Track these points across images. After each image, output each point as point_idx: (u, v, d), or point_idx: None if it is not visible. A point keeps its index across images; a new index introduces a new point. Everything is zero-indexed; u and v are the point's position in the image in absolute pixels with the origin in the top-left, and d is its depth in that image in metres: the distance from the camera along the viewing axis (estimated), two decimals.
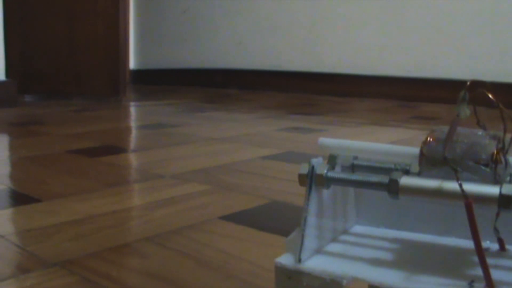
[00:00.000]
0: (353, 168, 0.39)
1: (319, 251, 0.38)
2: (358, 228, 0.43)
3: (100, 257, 0.63)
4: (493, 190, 0.32)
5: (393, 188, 0.34)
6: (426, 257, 0.38)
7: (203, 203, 0.85)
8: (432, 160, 0.34)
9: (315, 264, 0.36)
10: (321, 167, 0.37)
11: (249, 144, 1.37)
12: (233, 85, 3.16)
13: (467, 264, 0.36)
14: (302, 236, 0.36)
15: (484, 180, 0.33)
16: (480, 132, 0.34)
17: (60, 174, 1.06)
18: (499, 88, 0.36)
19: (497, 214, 0.35)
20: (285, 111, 2.16)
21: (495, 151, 0.33)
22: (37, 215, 0.79)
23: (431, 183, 0.33)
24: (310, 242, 0.37)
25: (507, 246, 0.38)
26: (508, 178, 0.33)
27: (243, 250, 0.65)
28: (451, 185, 0.32)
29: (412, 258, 0.38)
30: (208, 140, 1.46)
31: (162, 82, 3.50)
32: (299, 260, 0.36)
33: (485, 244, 0.37)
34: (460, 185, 0.32)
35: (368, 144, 0.39)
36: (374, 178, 0.36)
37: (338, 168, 0.39)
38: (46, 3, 2.50)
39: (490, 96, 0.33)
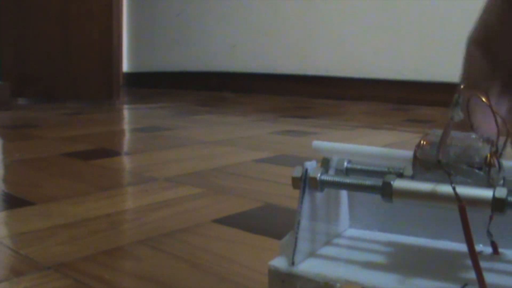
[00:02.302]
0: (346, 171, 0.39)
1: (312, 254, 0.38)
2: (351, 232, 0.43)
3: (94, 260, 0.62)
4: (486, 193, 0.32)
5: (386, 191, 0.34)
6: (420, 260, 0.38)
7: (197, 206, 0.85)
8: (425, 164, 0.34)
9: (308, 267, 0.36)
10: (315, 170, 0.37)
11: (243, 147, 1.37)
12: (227, 88, 3.16)
13: (460, 268, 0.36)
14: (296, 239, 0.36)
15: (477, 184, 0.33)
16: (473, 135, 0.34)
17: (54, 177, 1.06)
18: None
19: (491, 218, 0.35)
20: (279, 114, 2.16)
21: (488, 155, 0.33)
22: (30, 218, 0.79)
23: (424, 186, 0.33)
24: (303, 245, 0.37)
25: (500, 250, 0.38)
26: (501, 182, 0.34)
27: (236, 253, 0.65)
28: (445, 188, 0.32)
29: (405, 261, 0.38)
30: (202, 143, 1.46)
31: (156, 85, 3.50)
32: (293, 263, 0.36)
33: (478, 247, 0.37)
34: (454, 188, 0.32)
35: (362, 147, 0.39)
36: (368, 181, 0.36)
37: (331, 171, 0.39)
38: (40, 7, 2.50)
39: (484, 99, 0.33)
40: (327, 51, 2.82)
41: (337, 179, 0.37)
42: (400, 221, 0.42)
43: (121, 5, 3.13)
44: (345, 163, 0.39)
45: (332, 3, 2.77)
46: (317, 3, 2.83)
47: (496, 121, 0.33)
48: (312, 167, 0.37)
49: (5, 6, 2.46)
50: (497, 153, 0.34)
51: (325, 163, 0.39)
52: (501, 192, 0.31)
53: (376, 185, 0.35)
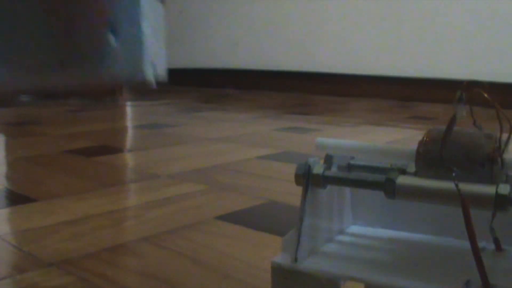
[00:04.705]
0: (349, 168, 0.39)
1: (315, 251, 0.38)
2: (354, 228, 0.43)
3: (97, 257, 0.62)
4: (489, 190, 0.32)
5: (389, 188, 0.34)
6: (422, 257, 0.38)
7: (199, 203, 0.85)
8: (428, 160, 0.34)
9: (311, 264, 0.36)
10: (318, 167, 0.37)
11: (246, 144, 1.37)
12: (230, 85, 3.16)
13: (463, 264, 0.36)
14: (298, 236, 0.36)
15: (480, 180, 0.33)
16: (476, 132, 0.34)
17: (57, 174, 1.06)
18: (495, 88, 0.36)
19: (493, 214, 0.35)
20: (282, 111, 2.16)
21: (491, 151, 0.33)
22: (33, 215, 0.79)
23: (427, 182, 0.33)
24: (306, 242, 0.37)
25: (503, 246, 0.38)
26: (504, 178, 0.34)
27: (239, 250, 0.65)
28: (448, 185, 0.32)
29: (408, 258, 0.38)
30: (205, 140, 1.46)
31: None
32: (295, 260, 0.36)
33: (481, 244, 0.37)
34: (456, 185, 0.32)
35: (364, 144, 0.39)
36: (371, 177, 0.36)
37: (334, 168, 0.39)
38: None
39: (486, 96, 0.33)
40: (329, 48, 2.82)
41: (340, 175, 0.37)
42: (403, 218, 0.42)
43: None
44: (348, 160, 0.39)
45: (335, 0, 2.77)
46: (320, 0, 2.82)
47: (498, 117, 0.33)
48: (315, 164, 0.37)
49: None
50: (500, 150, 0.34)
51: (328, 160, 0.39)
52: (504, 189, 0.31)
53: (379, 182, 0.35)
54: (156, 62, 0.30)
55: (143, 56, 0.29)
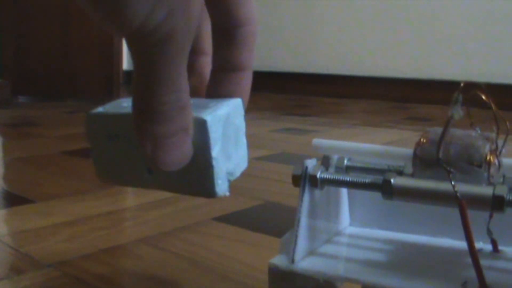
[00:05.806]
0: (346, 169, 0.39)
1: (312, 252, 0.38)
2: (351, 229, 0.43)
3: (94, 258, 0.62)
4: (486, 191, 0.32)
5: (386, 189, 0.34)
6: (420, 258, 0.38)
7: (197, 204, 0.85)
8: (425, 161, 0.34)
9: (308, 265, 0.36)
10: (315, 168, 0.37)
11: None
12: None
13: (460, 265, 0.36)
14: (296, 237, 0.36)
15: (477, 181, 0.33)
16: (473, 133, 0.34)
17: (54, 175, 1.06)
18: (493, 89, 0.36)
19: (490, 215, 0.35)
20: (279, 112, 2.16)
21: (488, 152, 0.33)
22: (31, 216, 0.79)
23: (424, 184, 0.33)
24: (303, 243, 0.37)
25: (500, 247, 0.38)
26: (501, 179, 0.34)
27: (237, 251, 0.65)
28: (445, 186, 0.33)
29: (405, 259, 0.38)
30: None
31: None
32: (293, 261, 0.36)
33: (478, 245, 0.37)
34: (453, 186, 0.32)
35: (362, 145, 0.39)
36: (368, 179, 0.36)
37: (331, 169, 0.39)
38: (41, 5, 2.50)
39: (484, 97, 0.33)
40: (327, 49, 2.82)
41: (337, 177, 0.37)
42: (400, 219, 0.42)
43: None
44: (345, 161, 0.39)
45: (333, 1, 2.77)
46: (317, 1, 2.83)
47: (495, 118, 0.33)
48: (312, 165, 0.37)
49: (5, 4, 2.46)
50: (497, 151, 0.34)
51: (325, 161, 0.39)
52: (501, 190, 0.31)
53: (376, 183, 0.35)
54: (228, 177, 0.34)
55: (212, 178, 0.33)
